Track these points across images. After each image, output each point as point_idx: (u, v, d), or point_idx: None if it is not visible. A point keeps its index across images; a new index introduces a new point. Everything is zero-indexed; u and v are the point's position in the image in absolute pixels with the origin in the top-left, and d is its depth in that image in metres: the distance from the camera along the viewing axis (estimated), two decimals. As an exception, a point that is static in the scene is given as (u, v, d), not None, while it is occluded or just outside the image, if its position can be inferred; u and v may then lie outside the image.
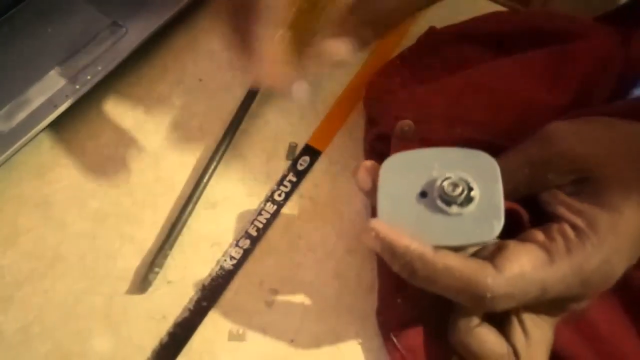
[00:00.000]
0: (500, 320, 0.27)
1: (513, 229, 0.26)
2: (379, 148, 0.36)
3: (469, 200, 0.25)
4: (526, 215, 0.27)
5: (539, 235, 0.25)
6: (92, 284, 0.34)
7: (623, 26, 0.34)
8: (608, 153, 0.25)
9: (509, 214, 0.25)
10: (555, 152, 0.25)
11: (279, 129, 0.39)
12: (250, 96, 0.39)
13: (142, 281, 0.33)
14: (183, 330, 0.32)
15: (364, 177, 0.27)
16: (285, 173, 0.37)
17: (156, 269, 0.33)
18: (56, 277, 0.34)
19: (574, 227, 0.24)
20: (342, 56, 0.27)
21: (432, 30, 0.40)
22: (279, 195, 0.37)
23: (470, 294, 0.24)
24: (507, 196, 0.25)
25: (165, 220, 0.36)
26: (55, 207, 0.36)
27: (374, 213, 0.27)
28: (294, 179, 0.37)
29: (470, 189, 0.25)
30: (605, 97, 0.33)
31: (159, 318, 0.33)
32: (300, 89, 0.40)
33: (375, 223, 0.25)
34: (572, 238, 0.24)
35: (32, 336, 0.32)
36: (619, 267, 0.24)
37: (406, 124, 0.32)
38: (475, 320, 0.27)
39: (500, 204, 0.25)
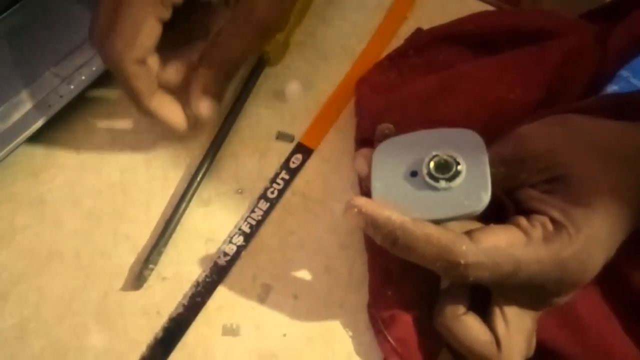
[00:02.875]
0: (484, 312, 0.28)
1: (498, 219, 0.27)
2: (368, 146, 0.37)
3: (456, 174, 0.26)
4: (510, 203, 0.27)
5: (522, 220, 0.26)
6: (87, 280, 0.34)
7: (605, 24, 0.35)
8: (576, 152, 0.26)
9: (495, 203, 0.26)
10: (527, 153, 0.26)
11: (272, 127, 0.40)
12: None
13: (137, 278, 0.34)
14: (177, 326, 0.33)
15: (361, 163, 0.29)
16: (278, 171, 0.38)
17: (151, 266, 0.34)
18: (51, 274, 0.34)
19: (552, 220, 0.25)
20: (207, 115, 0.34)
21: (418, 32, 0.41)
22: (272, 192, 0.37)
23: (445, 260, 0.25)
24: None
25: (159, 217, 0.36)
26: (50, 206, 0.36)
27: (369, 197, 0.28)
28: (287, 177, 0.38)
29: (457, 164, 0.26)
30: (579, 93, 0.33)
31: (153, 314, 0.33)
32: (292, 88, 0.40)
33: (357, 199, 0.26)
34: (551, 230, 0.25)
35: (28, 332, 0.32)
36: (597, 257, 0.25)
37: (386, 127, 0.33)
38: (462, 309, 0.28)
39: (487, 175, 0.26)
